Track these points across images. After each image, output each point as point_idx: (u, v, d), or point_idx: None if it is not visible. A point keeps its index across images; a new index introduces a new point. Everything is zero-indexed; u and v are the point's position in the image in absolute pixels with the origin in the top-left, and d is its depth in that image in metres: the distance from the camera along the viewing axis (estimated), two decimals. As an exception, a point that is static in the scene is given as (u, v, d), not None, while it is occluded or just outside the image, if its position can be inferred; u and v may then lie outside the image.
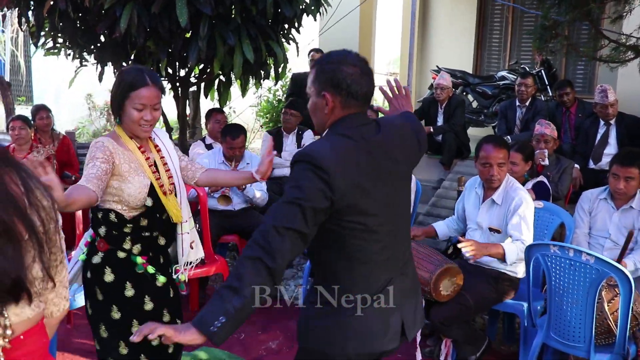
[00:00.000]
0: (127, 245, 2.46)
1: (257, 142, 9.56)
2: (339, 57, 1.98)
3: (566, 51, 4.83)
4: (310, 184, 1.84)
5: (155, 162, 2.53)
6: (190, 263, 2.74)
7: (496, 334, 4.13)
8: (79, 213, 4.34)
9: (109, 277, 2.46)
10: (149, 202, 2.45)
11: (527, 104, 6.21)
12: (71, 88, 6.44)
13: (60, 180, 5.49)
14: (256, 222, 4.78)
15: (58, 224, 1.40)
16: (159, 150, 2.59)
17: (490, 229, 3.55)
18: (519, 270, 3.54)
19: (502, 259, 3.37)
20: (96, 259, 2.47)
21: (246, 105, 9.37)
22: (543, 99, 7.02)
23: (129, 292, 2.47)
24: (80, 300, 3.58)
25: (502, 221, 3.52)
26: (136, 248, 2.49)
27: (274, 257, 1.78)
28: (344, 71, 1.94)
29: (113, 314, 2.47)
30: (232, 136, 4.68)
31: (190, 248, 2.70)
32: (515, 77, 7.68)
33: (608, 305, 2.99)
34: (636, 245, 3.52)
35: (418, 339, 3.65)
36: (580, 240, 3.75)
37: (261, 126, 9.46)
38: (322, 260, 2.03)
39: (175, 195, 2.58)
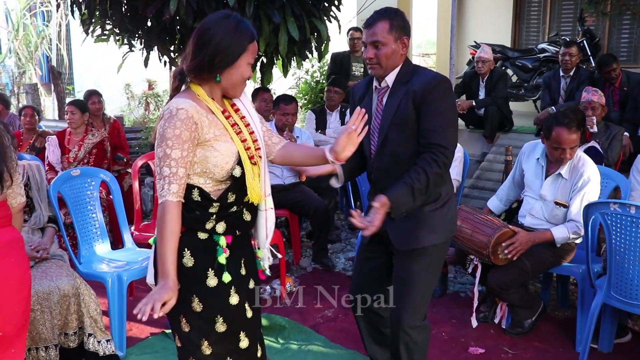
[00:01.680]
0: (209, 225, 2.07)
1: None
2: (397, 10, 2.54)
3: (619, 12, 4.73)
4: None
5: (237, 124, 2.13)
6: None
7: (549, 300, 4.15)
8: (137, 188, 4.48)
9: (188, 261, 2.06)
10: (237, 172, 2.06)
11: (571, 73, 6.14)
12: (110, 78, 6.61)
13: (112, 162, 5.67)
14: (305, 196, 4.87)
15: (13, 146, 2.30)
16: (237, 110, 2.18)
17: (557, 203, 3.56)
18: (576, 236, 3.56)
19: (552, 242, 3.46)
20: None
21: (285, 88, 9.44)
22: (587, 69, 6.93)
23: (212, 281, 2.07)
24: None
25: (568, 195, 3.53)
26: (220, 226, 2.09)
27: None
28: (407, 19, 2.56)
29: (194, 305, 2.07)
30: (285, 102, 4.89)
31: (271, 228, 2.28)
32: (556, 48, 7.60)
33: (671, 262, 3.00)
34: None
35: (475, 303, 3.71)
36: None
37: (300, 107, 9.53)
38: (442, 180, 2.57)
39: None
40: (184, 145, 1.96)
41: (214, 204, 2.06)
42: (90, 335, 3.16)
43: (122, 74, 6.86)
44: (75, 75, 13.87)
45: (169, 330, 3.59)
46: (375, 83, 2.65)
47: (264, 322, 3.76)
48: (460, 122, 6.87)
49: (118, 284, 3.50)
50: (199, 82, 2.08)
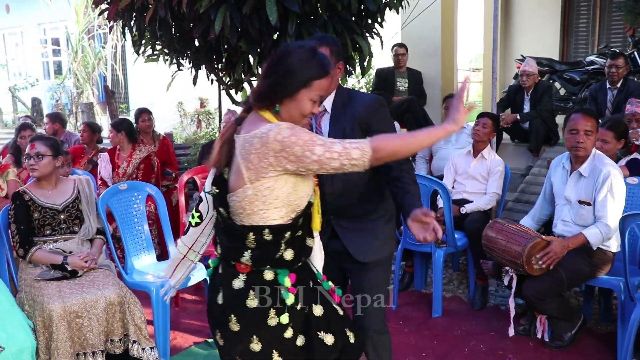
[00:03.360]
0: (278, 254, 2.04)
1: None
2: (334, 37, 2.64)
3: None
4: None
5: None
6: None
7: (592, 314, 4.09)
8: (183, 202, 4.61)
9: (252, 302, 2.04)
10: (313, 198, 2.08)
11: (618, 85, 6.05)
12: (163, 97, 6.84)
13: (162, 178, 5.83)
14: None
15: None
16: None
17: (580, 202, 3.55)
18: (612, 244, 3.52)
19: (587, 245, 3.43)
20: (237, 284, 2.05)
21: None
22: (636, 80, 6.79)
23: (272, 321, 2.04)
24: (197, 277, 3.81)
25: (591, 194, 3.51)
26: (289, 253, 2.05)
27: None
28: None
29: (253, 345, 2.05)
30: None
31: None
32: (605, 61, 7.47)
33: None
34: None
35: (512, 314, 3.70)
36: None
37: (346, 123, 9.64)
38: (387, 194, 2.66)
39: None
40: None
41: (285, 232, 2.01)
42: (134, 342, 3.31)
43: (174, 92, 7.10)
44: (130, 94, 14.43)
45: (212, 340, 3.70)
46: None
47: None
48: (505, 135, 6.82)
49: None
50: (261, 109, 2.02)
